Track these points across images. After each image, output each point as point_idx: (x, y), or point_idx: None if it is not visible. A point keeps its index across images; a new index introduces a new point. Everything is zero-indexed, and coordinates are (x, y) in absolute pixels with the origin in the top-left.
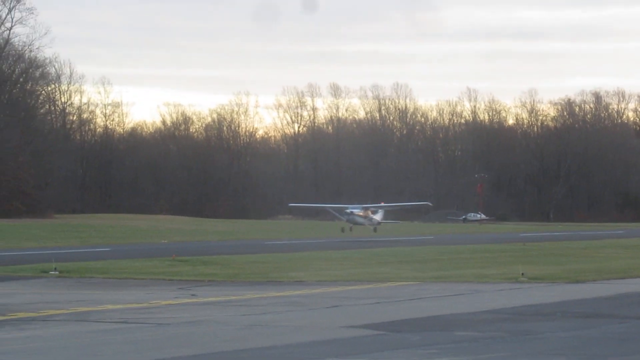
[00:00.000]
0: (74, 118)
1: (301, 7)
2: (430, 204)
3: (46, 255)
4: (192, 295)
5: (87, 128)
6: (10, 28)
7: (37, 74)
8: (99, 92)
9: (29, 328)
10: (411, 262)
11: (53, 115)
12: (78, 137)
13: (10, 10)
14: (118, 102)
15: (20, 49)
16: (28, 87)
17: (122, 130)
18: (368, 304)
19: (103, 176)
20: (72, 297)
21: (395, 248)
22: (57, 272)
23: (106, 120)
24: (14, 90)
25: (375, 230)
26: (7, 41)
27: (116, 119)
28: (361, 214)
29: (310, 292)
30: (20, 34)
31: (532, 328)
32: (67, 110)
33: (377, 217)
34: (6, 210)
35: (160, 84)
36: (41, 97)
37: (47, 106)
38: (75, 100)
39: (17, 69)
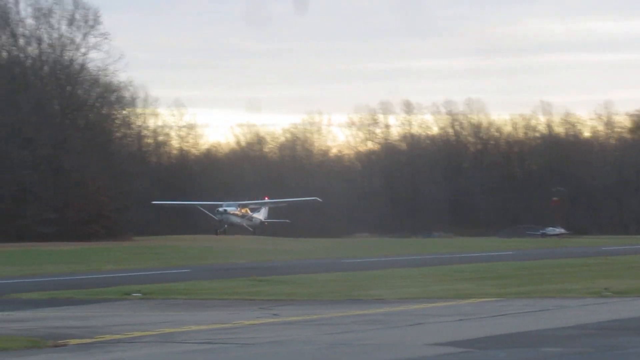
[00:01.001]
0: (150, 141)
1: (370, 26)
2: (319, 200)
3: (127, 277)
4: (274, 314)
5: (162, 150)
6: (86, 53)
7: (113, 98)
8: (173, 115)
9: (115, 350)
10: (492, 278)
11: (129, 139)
12: (154, 160)
13: (84, 36)
14: (192, 124)
15: (95, 73)
16: (104, 112)
17: (197, 152)
18: (451, 321)
19: (180, 197)
20: (156, 318)
21: (474, 264)
22: (140, 294)
23: (181, 142)
24: (91, 115)
25: (254, 232)
26: (83, 66)
27: (191, 141)
28: (237, 212)
29: (392, 310)
30: (95, 59)
31: (619, 343)
32: (142, 134)
33: (259, 215)
34: (87, 233)
35: (234, 105)
36: (117, 121)
37: (123, 130)
38: (151, 123)
39: (93, 94)
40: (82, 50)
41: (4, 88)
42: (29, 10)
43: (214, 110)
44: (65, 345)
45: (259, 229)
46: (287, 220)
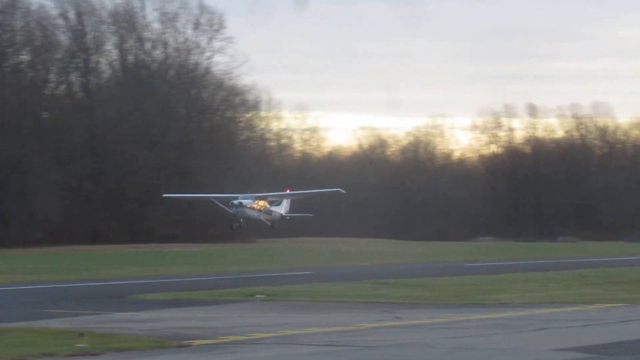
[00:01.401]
0: (273, 144)
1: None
2: (342, 191)
3: (250, 279)
4: (396, 317)
5: (285, 153)
6: (210, 57)
7: (237, 101)
8: (297, 118)
9: (239, 351)
10: (619, 283)
11: (253, 142)
12: (277, 162)
13: (209, 40)
14: (315, 127)
15: (219, 77)
16: (228, 115)
17: (319, 155)
18: (576, 326)
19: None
20: (278, 320)
21: (601, 269)
22: (263, 296)
23: (304, 145)
24: (215, 118)
25: (273, 226)
26: (208, 70)
27: (313, 144)
28: (254, 205)
29: (515, 314)
30: (219, 63)
31: None
32: (266, 136)
33: (280, 209)
34: (211, 235)
35: (356, 108)
36: (241, 124)
37: (247, 133)
38: (274, 126)
39: (217, 97)
40: (207, 54)
41: (131, 92)
42: (155, 14)
43: (336, 113)
44: (189, 345)
45: (279, 223)
46: (310, 215)
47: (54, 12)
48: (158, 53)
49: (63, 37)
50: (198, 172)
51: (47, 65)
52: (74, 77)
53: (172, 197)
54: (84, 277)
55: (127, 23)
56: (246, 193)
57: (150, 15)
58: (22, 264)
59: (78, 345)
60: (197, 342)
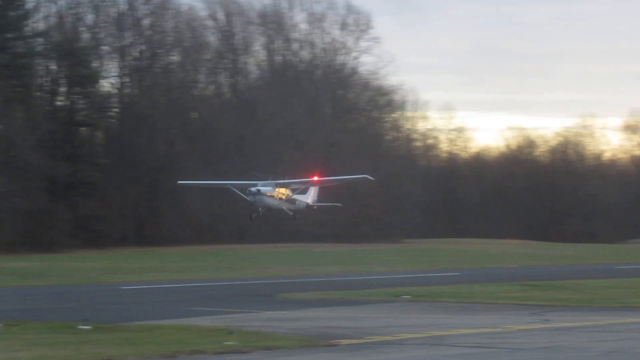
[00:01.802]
0: (419, 144)
1: None
2: (369, 178)
3: (397, 279)
4: (546, 320)
5: (431, 154)
6: (357, 57)
7: (383, 101)
8: (443, 118)
9: (387, 351)
10: None
11: (399, 142)
12: (423, 163)
13: (356, 40)
14: (462, 128)
15: (366, 77)
16: (374, 115)
17: (466, 155)
18: None
19: (449, 201)
20: (425, 321)
21: None
22: (409, 297)
23: (450, 146)
24: (361, 118)
25: (295, 216)
26: (354, 70)
27: (460, 144)
28: (273, 193)
29: None
30: (366, 63)
31: None
32: (412, 137)
33: (306, 198)
34: (357, 235)
35: (504, 109)
36: (387, 124)
37: (393, 133)
38: (420, 126)
39: (363, 98)
40: (354, 54)
41: (279, 92)
42: (303, 15)
43: (484, 113)
44: (337, 345)
45: (303, 214)
46: (339, 204)
47: (203, 13)
48: (305, 53)
49: (212, 38)
50: (344, 173)
51: (196, 66)
52: (223, 78)
53: (187, 183)
54: (232, 276)
55: (275, 24)
56: (268, 180)
57: (298, 16)
58: (173, 262)
59: (227, 343)
60: (345, 341)
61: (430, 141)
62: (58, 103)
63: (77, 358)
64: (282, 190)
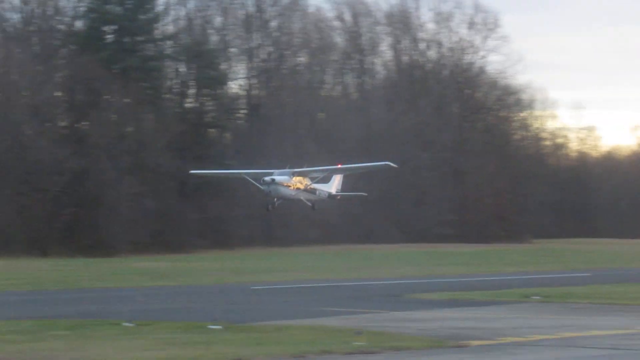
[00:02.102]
0: (548, 143)
1: None
2: (391, 164)
3: (527, 280)
4: None
5: (561, 153)
6: (485, 56)
7: (511, 100)
8: (573, 117)
9: (518, 353)
10: None
11: (527, 141)
12: (553, 162)
13: (484, 39)
14: (592, 126)
15: (494, 76)
16: (502, 114)
17: (596, 154)
18: None
19: (579, 200)
20: (556, 322)
21: None
22: (539, 297)
23: (580, 145)
24: (489, 118)
25: (314, 207)
26: (482, 69)
27: (590, 143)
28: (289, 183)
29: None
30: (493, 62)
31: None
32: (540, 136)
33: (329, 187)
34: (485, 235)
35: (636, 106)
36: (515, 124)
37: (521, 132)
38: (549, 125)
39: (491, 97)
40: (481, 53)
41: (405, 92)
42: (430, 14)
43: (614, 111)
44: (467, 346)
45: (324, 204)
46: (364, 194)
47: (330, 14)
48: (432, 53)
49: (339, 39)
50: (471, 172)
51: (323, 66)
52: (349, 78)
53: (200, 173)
54: (360, 276)
55: (401, 24)
56: (285, 168)
57: (425, 16)
58: (301, 262)
59: (356, 343)
60: (475, 342)
61: (559, 140)
62: (187, 105)
63: (208, 358)
64: (300, 179)
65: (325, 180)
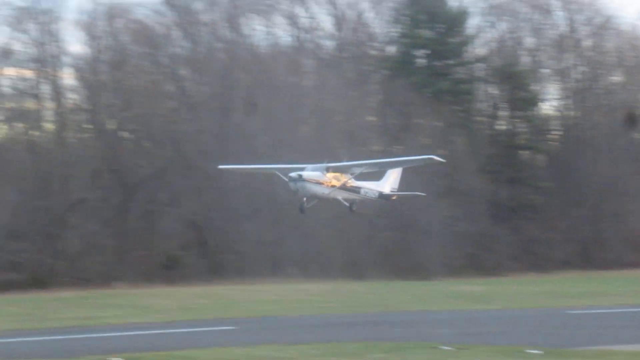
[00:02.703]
0: None
1: None
2: (434, 158)
3: None
4: None
5: None
6: None
7: None
8: None
9: None
10: None
11: None
12: None
13: None
14: None
15: None
16: None
17: None
18: None
19: None
20: None
21: None
22: None
23: None
24: None
25: (351, 208)
26: None
27: None
28: (322, 180)
29: None
30: None
31: None
32: None
33: (379, 185)
34: None
35: None
36: None
37: None
38: None
39: None
40: None
41: None
42: None
43: None
44: None
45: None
46: (422, 194)
47: None
48: None
49: None
50: None
51: (638, 85)
52: None
53: (228, 168)
54: None
55: None
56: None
57: None
58: (619, 287)
59: None
60: None
61: None
62: (498, 127)
63: None
64: (337, 175)
65: (378, 177)
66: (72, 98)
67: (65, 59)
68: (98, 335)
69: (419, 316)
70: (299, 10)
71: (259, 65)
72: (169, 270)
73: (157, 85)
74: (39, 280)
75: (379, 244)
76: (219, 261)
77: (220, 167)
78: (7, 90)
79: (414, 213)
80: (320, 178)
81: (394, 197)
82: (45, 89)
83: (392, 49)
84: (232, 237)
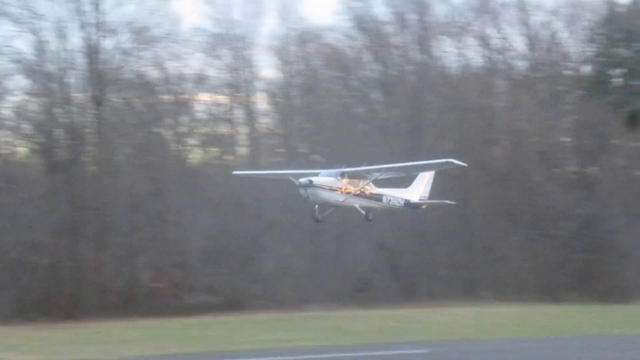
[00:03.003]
0: None
1: None
2: (453, 161)
3: None
4: None
5: None
6: None
7: None
8: None
9: None
10: None
11: None
12: None
13: None
14: None
15: None
16: None
17: None
18: None
19: None
20: None
21: None
22: None
23: None
24: None
25: (368, 217)
26: None
27: None
28: (334, 186)
29: None
30: None
31: None
32: None
33: (406, 192)
34: None
35: None
36: None
37: None
38: None
39: None
40: None
41: None
42: None
43: None
44: None
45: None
46: (452, 202)
47: None
48: None
49: None
50: None
51: None
52: None
53: (243, 174)
54: None
55: None
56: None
57: None
58: None
59: None
60: None
61: None
62: None
63: None
64: (353, 181)
65: (404, 183)
66: (265, 122)
67: (258, 84)
68: (291, 357)
69: (617, 341)
70: (491, 31)
71: (449, 87)
72: (360, 292)
73: (348, 109)
74: (234, 302)
75: (573, 267)
76: (410, 284)
77: (235, 172)
78: (202, 115)
79: (611, 235)
80: (334, 184)
81: (423, 207)
82: (239, 113)
83: (587, 69)
84: (423, 260)
